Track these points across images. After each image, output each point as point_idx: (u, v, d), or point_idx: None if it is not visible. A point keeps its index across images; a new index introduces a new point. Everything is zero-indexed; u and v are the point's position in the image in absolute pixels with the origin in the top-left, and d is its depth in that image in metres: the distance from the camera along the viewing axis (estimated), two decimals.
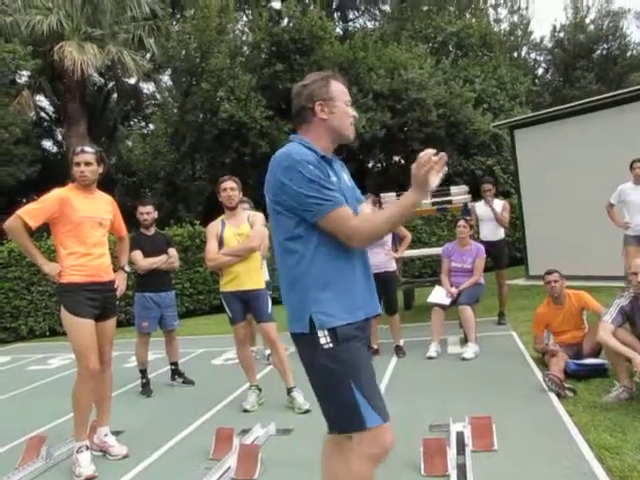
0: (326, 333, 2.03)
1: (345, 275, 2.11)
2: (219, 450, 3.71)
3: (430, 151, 2.02)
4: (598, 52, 25.21)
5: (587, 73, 23.83)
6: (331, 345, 2.04)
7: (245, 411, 4.65)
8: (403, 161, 17.43)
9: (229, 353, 6.89)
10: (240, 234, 4.69)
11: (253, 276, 4.70)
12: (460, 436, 3.53)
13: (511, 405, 4.18)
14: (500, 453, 3.37)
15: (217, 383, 5.77)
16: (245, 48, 17.26)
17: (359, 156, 16.15)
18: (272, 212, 2.15)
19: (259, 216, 4.85)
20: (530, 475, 3.09)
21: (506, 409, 4.02)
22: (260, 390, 4.88)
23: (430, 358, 5.75)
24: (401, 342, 6.24)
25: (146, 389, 5.59)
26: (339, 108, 2.20)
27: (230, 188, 4.73)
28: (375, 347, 6.19)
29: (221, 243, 4.68)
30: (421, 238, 12.21)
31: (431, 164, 2.01)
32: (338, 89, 2.21)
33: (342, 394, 2.04)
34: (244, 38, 18.49)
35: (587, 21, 25.90)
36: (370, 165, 18.29)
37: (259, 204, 11.87)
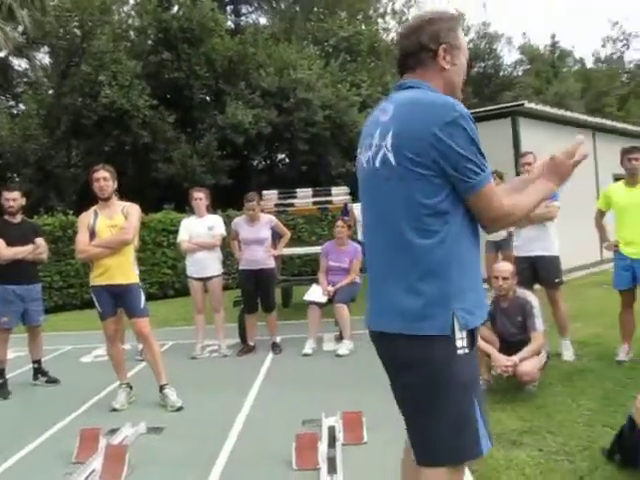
0: (464, 335, 1.66)
1: (477, 264, 1.77)
2: (83, 452, 3.52)
3: (581, 138, 1.84)
4: (476, 69, 27.03)
5: (465, 87, 25.39)
6: (467, 350, 1.67)
7: (114, 410, 4.46)
8: (288, 160, 17.60)
9: (99, 350, 6.58)
10: (113, 225, 4.49)
11: (125, 270, 4.51)
12: (332, 430, 3.62)
13: (382, 399, 4.33)
14: (370, 445, 3.51)
15: (85, 382, 5.48)
16: (131, 32, 16.55)
17: (244, 152, 16.08)
18: (404, 173, 1.65)
19: (134, 207, 4.67)
20: (397, 465, 3.25)
21: (377, 403, 4.18)
22: (131, 388, 4.71)
23: (306, 355, 5.85)
24: (278, 339, 6.30)
25: (3, 390, 5.18)
26: (461, 61, 1.83)
27: (103, 178, 4.51)
28: (252, 344, 6.22)
29: (93, 234, 4.45)
30: (302, 237, 12.39)
31: (581, 157, 1.82)
32: (463, 37, 1.86)
33: (464, 412, 1.67)
34: (130, 22, 17.70)
35: (467, 40, 27.65)
36: (255, 162, 18.27)
37: (139, 194, 11.43)
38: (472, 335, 1.69)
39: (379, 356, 1.88)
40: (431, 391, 1.66)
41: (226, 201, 12.17)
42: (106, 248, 4.43)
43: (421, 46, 1.78)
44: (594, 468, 3.01)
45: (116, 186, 4.64)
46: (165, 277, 11.78)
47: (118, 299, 4.54)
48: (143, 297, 4.65)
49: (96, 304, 4.55)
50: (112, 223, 4.51)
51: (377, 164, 1.73)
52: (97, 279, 4.50)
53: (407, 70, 1.83)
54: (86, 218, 4.54)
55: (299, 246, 10.65)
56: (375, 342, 1.86)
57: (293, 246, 11.62)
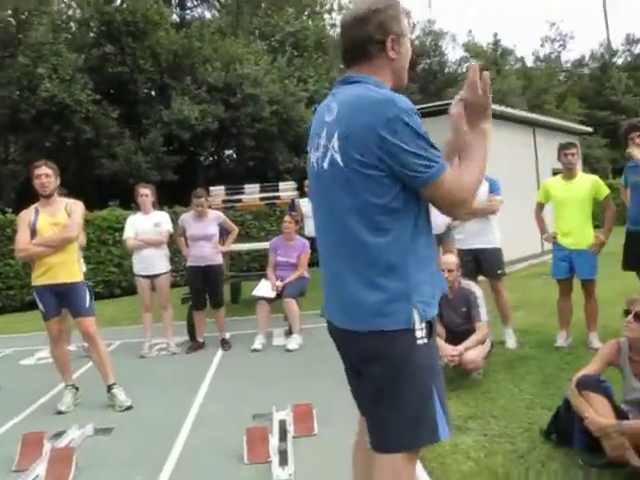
0: (424, 326, 1.68)
1: (432, 257, 1.78)
2: (25, 458, 3.41)
3: (476, 65, 1.75)
4: (421, 66, 27.51)
5: (411, 84, 25.83)
6: (426, 340, 1.69)
7: (59, 413, 4.34)
8: (235, 155, 17.48)
9: (42, 352, 6.37)
10: (56, 223, 4.36)
11: (69, 268, 4.39)
12: (282, 424, 3.65)
13: (331, 392, 4.40)
14: (321, 437, 3.56)
15: (27, 385, 5.30)
16: (72, 24, 16.02)
17: (190, 148, 15.86)
18: (352, 175, 1.64)
19: (78, 204, 4.55)
20: (348, 456, 3.31)
21: (327, 396, 4.23)
22: (77, 389, 4.60)
23: (255, 350, 5.85)
24: (227, 335, 6.28)
25: None
26: (406, 48, 1.79)
27: (45, 174, 4.38)
28: (201, 340, 6.17)
29: (34, 233, 4.32)
30: (250, 233, 12.31)
31: (485, 82, 1.72)
32: (405, 21, 1.80)
33: (424, 400, 1.70)
34: (70, 13, 17.14)
35: (413, 37, 28.14)
36: (202, 158, 18.05)
37: (82, 191, 11.12)
38: (430, 325, 1.71)
39: (339, 351, 1.90)
40: (393, 381, 1.68)
41: (173, 197, 11.97)
42: (48, 247, 4.30)
43: (368, 38, 1.73)
44: (533, 448, 3.16)
45: (59, 182, 4.51)
46: (111, 276, 11.50)
47: (62, 299, 4.42)
48: (89, 296, 4.55)
49: (39, 304, 4.41)
50: (54, 221, 4.38)
51: (325, 165, 1.73)
52: (40, 278, 4.37)
53: (353, 62, 1.79)
54: (26, 216, 4.39)
55: (247, 242, 10.60)
56: (336, 338, 1.87)
57: (241, 242, 11.56)
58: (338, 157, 1.67)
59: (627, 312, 2.96)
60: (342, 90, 1.78)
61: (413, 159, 1.59)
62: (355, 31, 1.76)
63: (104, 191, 13.28)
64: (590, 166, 23.34)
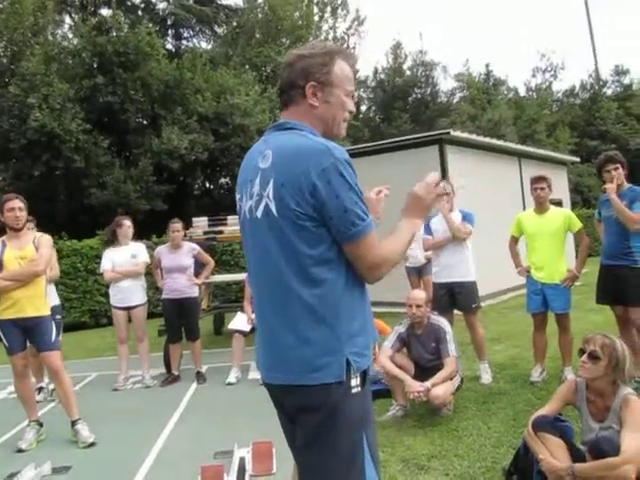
0: (358, 375, 1.68)
1: (365, 302, 1.76)
2: None
3: (437, 176, 1.87)
4: (413, 96, 27.78)
5: (403, 114, 26.09)
6: (359, 389, 1.68)
7: (20, 451, 4.25)
8: (230, 183, 17.51)
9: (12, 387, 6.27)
10: (23, 257, 4.35)
11: (35, 302, 4.36)
12: (242, 461, 3.60)
13: None
14: (278, 476, 3.48)
15: None
16: (64, 55, 16.22)
17: (180, 178, 15.93)
18: (286, 225, 1.62)
19: (46, 237, 4.54)
20: None
21: None
22: (41, 425, 4.53)
23: (229, 384, 5.79)
24: (203, 368, 6.22)
25: None
26: (336, 98, 1.77)
27: (18, 208, 4.39)
28: (176, 373, 6.11)
29: (0, 266, 4.30)
30: (239, 262, 12.29)
31: (439, 190, 1.85)
32: (342, 73, 1.78)
33: (354, 448, 1.68)
34: (65, 44, 17.38)
35: (405, 67, 28.50)
36: (195, 187, 18.12)
37: (71, 220, 11.00)
38: (364, 375, 1.70)
39: (274, 404, 1.87)
40: (325, 429, 1.66)
41: (162, 226, 11.97)
42: (15, 280, 4.28)
43: (290, 83, 1.75)
44: None
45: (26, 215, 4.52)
46: (97, 305, 11.46)
47: (28, 333, 4.38)
48: (54, 330, 4.51)
49: (3, 339, 4.37)
50: (22, 254, 4.36)
51: (259, 214, 1.69)
52: (5, 312, 4.32)
53: (284, 105, 1.80)
54: None
55: (238, 272, 10.57)
56: (271, 392, 1.84)
57: (231, 272, 11.55)
58: (273, 206, 1.64)
59: (582, 351, 2.93)
60: (276, 136, 1.75)
61: (343, 212, 1.59)
62: (283, 75, 1.79)
63: (93, 220, 13.27)
64: (581, 195, 23.44)
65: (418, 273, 7.34)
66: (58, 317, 5.51)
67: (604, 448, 2.66)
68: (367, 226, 1.62)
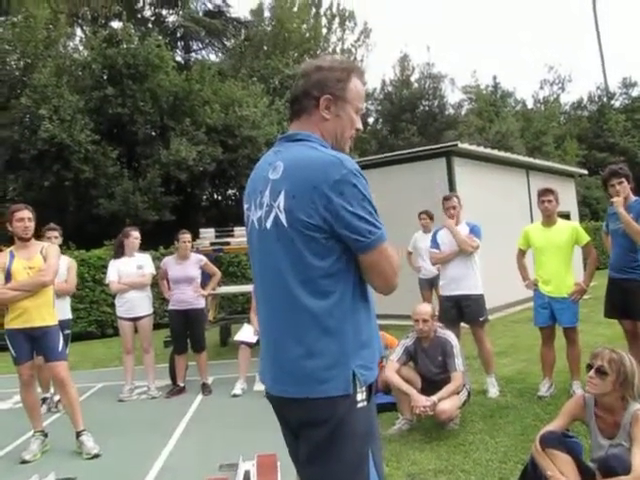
0: (364, 389, 1.66)
1: (371, 317, 1.75)
2: None
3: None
4: (421, 108, 27.83)
5: (411, 126, 26.12)
6: (365, 403, 1.66)
7: (24, 462, 4.22)
8: (238, 195, 17.56)
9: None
10: (31, 267, 4.37)
11: (43, 312, 4.37)
12: (247, 475, 3.57)
13: None
14: None
15: None
16: (75, 67, 16.39)
17: (188, 189, 16.00)
18: (296, 236, 1.62)
19: (53, 247, 4.57)
20: None
21: None
22: (46, 436, 4.52)
23: (235, 396, 5.76)
24: (209, 380, 6.20)
25: None
26: (347, 114, 1.78)
27: (28, 218, 4.42)
28: (182, 384, 6.10)
29: (8, 276, 4.32)
30: (245, 274, 12.30)
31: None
32: (356, 90, 1.79)
33: (360, 462, 1.66)
34: (76, 56, 17.56)
35: (412, 79, 28.59)
36: (204, 198, 18.19)
37: (80, 230, 11.01)
38: (370, 388, 1.68)
39: (278, 417, 1.85)
40: (330, 444, 1.64)
41: (169, 237, 12.02)
42: (23, 291, 4.30)
43: (305, 92, 1.75)
44: None
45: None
46: (104, 315, 11.47)
47: (35, 343, 4.39)
48: (62, 340, 4.52)
49: (10, 348, 4.37)
50: (30, 264, 4.39)
51: (268, 225, 1.69)
52: (13, 322, 4.34)
53: (294, 115, 1.81)
54: (1, 259, 4.40)
55: (243, 284, 10.57)
56: (274, 405, 1.82)
57: (237, 283, 11.56)
58: (283, 217, 1.64)
59: (589, 366, 2.90)
60: (287, 148, 1.75)
61: (358, 222, 1.59)
62: (298, 83, 1.79)
63: (101, 230, 13.33)
64: (590, 207, 23.34)
65: (430, 285, 7.33)
66: (67, 332, 5.49)
67: (614, 465, 2.62)
68: (382, 235, 1.63)
